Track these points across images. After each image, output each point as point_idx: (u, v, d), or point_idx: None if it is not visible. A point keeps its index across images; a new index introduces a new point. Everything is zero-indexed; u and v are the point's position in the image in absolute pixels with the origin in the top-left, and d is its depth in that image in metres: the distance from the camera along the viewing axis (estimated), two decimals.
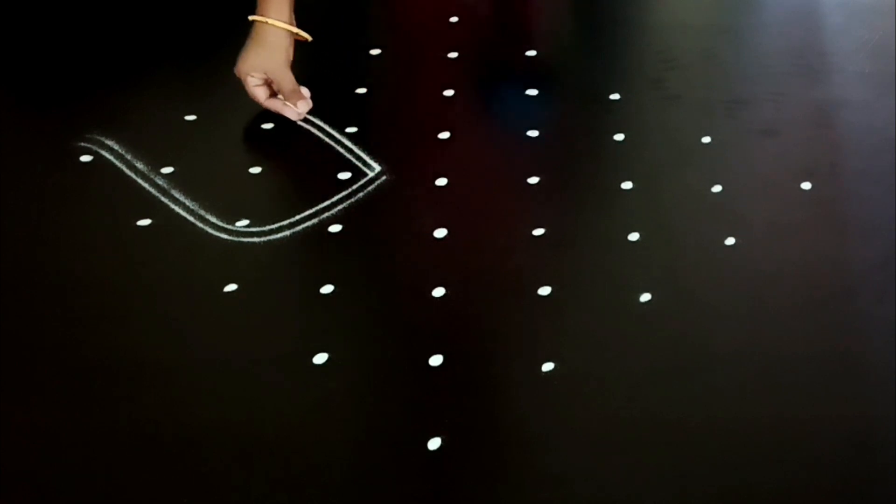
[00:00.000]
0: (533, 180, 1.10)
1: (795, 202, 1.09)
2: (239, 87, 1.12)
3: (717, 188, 1.10)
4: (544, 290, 0.97)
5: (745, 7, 1.44)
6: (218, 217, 1.02)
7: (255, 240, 1.01)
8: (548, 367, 0.91)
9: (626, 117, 1.20)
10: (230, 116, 1.14)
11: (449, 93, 1.21)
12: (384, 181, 1.08)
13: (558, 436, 0.86)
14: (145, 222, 1.02)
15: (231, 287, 0.96)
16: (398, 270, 1.00)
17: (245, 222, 1.02)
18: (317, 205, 1.05)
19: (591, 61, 1.28)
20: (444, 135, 1.15)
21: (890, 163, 1.14)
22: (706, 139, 1.16)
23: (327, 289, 0.96)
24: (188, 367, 0.89)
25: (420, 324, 0.95)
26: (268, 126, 1.14)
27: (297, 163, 1.11)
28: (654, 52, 1.31)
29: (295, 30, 1.11)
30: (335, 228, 1.03)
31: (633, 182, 1.10)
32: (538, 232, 1.04)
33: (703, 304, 0.98)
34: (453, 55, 1.27)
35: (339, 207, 1.05)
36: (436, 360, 0.90)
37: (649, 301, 0.97)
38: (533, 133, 1.16)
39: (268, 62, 1.11)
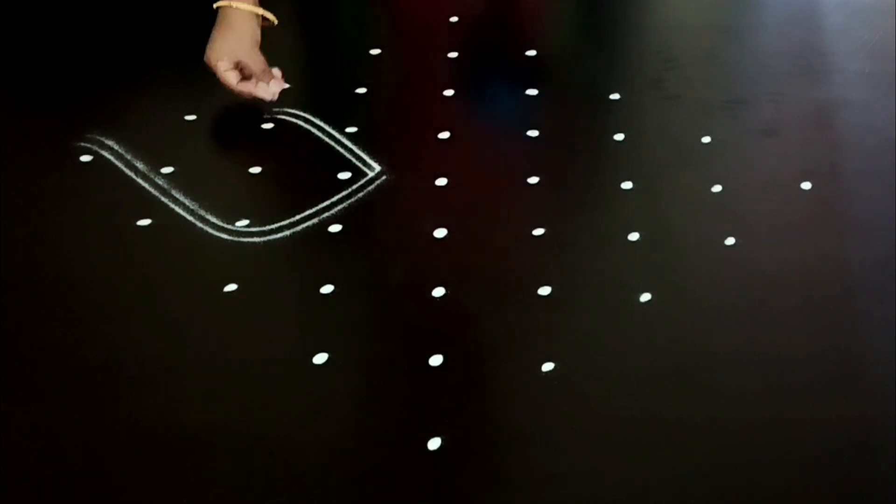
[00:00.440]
0: (533, 180, 1.10)
1: (795, 202, 1.09)
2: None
3: (717, 188, 1.10)
4: (544, 290, 0.97)
5: (745, 7, 1.44)
6: (218, 217, 1.02)
7: (255, 240, 1.01)
8: (548, 367, 0.91)
9: (626, 117, 1.20)
10: (230, 116, 1.14)
11: (449, 93, 1.21)
12: (384, 181, 1.08)
13: (558, 436, 0.86)
14: (145, 222, 1.02)
15: (231, 287, 0.96)
16: (398, 270, 1.00)
17: (245, 222, 1.02)
18: (317, 205, 1.05)
19: (591, 61, 1.28)
20: (444, 135, 1.15)
21: (890, 163, 1.14)
22: (706, 139, 1.16)
23: (327, 289, 0.96)
24: (188, 367, 0.89)
25: (420, 324, 0.95)
26: (268, 126, 1.14)
27: (297, 163, 1.11)
28: (654, 52, 1.31)
29: (260, 11, 1.13)
30: (335, 228, 1.03)
31: (633, 182, 1.10)
32: (538, 232, 1.04)
33: (703, 304, 0.98)
34: (453, 55, 1.27)
35: (339, 207, 1.05)
36: (436, 360, 0.90)
37: (649, 301, 0.97)
38: (533, 133, 1.16)
39: (235, 46, 1.11)
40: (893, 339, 0.95)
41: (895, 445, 0.86)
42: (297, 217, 1.03)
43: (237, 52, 1.11)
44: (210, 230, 1.01)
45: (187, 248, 1.00)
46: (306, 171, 1.10)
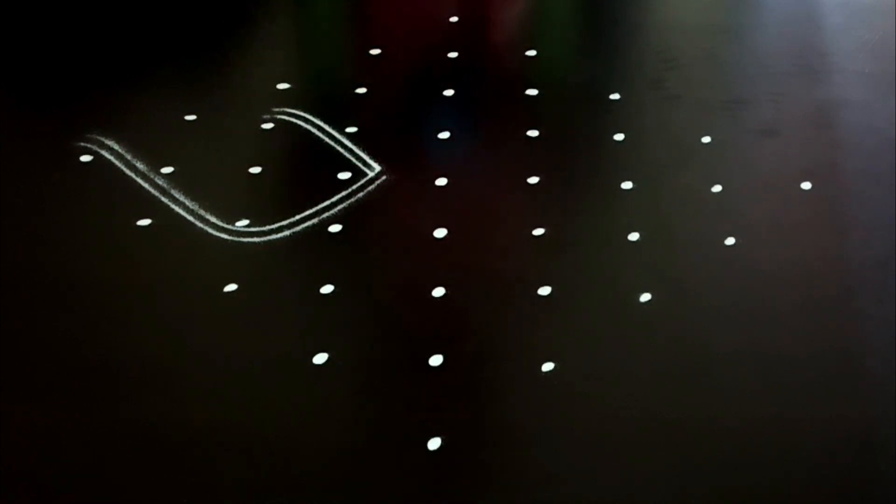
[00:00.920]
0: (533, 180, 1.09)
1: (795, 202, 1.09)
2: (239, 84, 1.12)
3: (717, 188, 1.10)
4: (544, 290, 0.97)
5: (745, 7, 1.44)
6: (218, 217, 1.02)
7: (255, 240, 1.01)
8: (548, 367, 0.91)
9: (626, 117, 1.20)
10: (230, 116, 1.14)
11: (449, 93, 1.21)
12: (384, 181, 1.08)
13: (558, 436, 0.86)
14: (145, 222, 1.02)
15: (231, 287, 0.96)
16: (398, 270, 1.00)
17: (245, 222, 1.02)
18: (317, 205, 1.05)
19: (591, 61, 1.28)
20: (445, 135, 1.15)
21: (890, 163, 1.14)
22: (706, 139, 1.16)
23: (327, 289, 0.96)
24: (188, 367, 0.89)
25: (420, 324, 0.95)
26: (268, 126, 1.14)
27: (297, 163, 1.11)
28: (654, 52, 1.31)
29: None
30: (335, 228, 1.03)
31: (633, 182, 1.10)
32: (538, 232, 1.04)
33: (703, 303, 0.98)
34: (453, 55, 1.27)
35: (339, 207, 1.05)
36: (436, 360, 0.90)
37: (649, 301, 0.97)
38: (533, 133, 1.16)
39: None
40: (893, 339, 0.95)
41: (895, 445, 0.86)
42: (297, 217, 1.03)
43: None
44: (210, 230, 1.01)
45: (187, 248, 1.00)
46: (306, 171, 1.10)
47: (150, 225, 1.01)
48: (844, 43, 1.33)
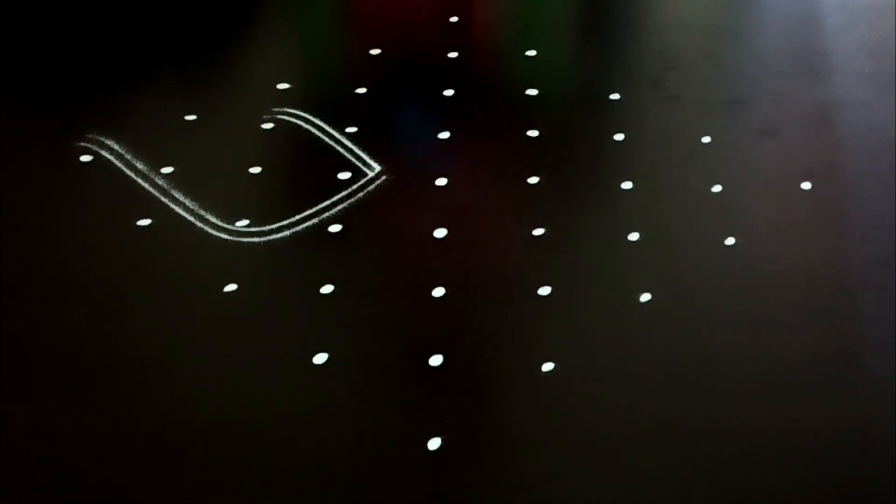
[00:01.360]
0: (533, 180, 1.09)
1: (795, 202, 1.09)
2: (239, 84, 1.12)
3: (717, 188, 1.10)
4: (544, 290, 0.97)
5: (745, 7, 1.44)
6: (218, 217, 1.02)
7: (255, 240, 1.01)
8: (548, 367, 0.91)
9: (626, 117, 1.20)
10: (230, 116, 1.14)
11: (449, 93, 1.21)
12: (384, 181, 1.08)
13: (558, 436, 0.86)
14: (145, 222, 1.02)
15: (231, 287, 0.96)
16: (398, 270, 1.00)
17: (245, 222, 1.02)
18: (317, 205, 1.05)
19: (591, 61, 1.28)
20: (445, 135, 1.15)
21: (890, 163, 1.14)
22: (706, 139, 1.16)
23: (327, 289, 0.96)
24: (188, 367, 0.89)
25: (420, 324, 0.95)
26: (268, 126, 1.14)
27: (297, 163, 1.11)
28: (654, 52, 1.31)
29: None
30: (335, 228, 1.03)
31: (633, 182, 1.10)
32: (538, 232, 1.04)
33: (703, 303, 0.98)
34: (453, 55, 1.27)
35: (339, 207, 1.05)
36: (436, 360, 0.90)
37: (649, 301, 0.97)
38: (533, 133, 1.16)
39: None
40: (893, 339, 0.95)
41: (895, 445, 0.86)
42: (297, 217, 1.03)
43: None
44: (210, 230, 1.01)
45: (187, 248, 1.00)
46: (306, 171, 1.10)
47: (150, 225, 1.01)
48: (844, 43, 1.33)
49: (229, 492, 0.81)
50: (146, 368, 0.88)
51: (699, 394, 0.90)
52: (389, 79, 1.22)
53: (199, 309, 0.95)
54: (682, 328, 0.95)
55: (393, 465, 0.83)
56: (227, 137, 1.12)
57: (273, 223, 1.02)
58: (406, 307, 0.96)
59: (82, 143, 1.09)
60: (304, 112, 1.15)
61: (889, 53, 1.31)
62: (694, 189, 1.10)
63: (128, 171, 1.07)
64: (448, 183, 1.08)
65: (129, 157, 1.08)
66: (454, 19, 1.33)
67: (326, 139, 1.13)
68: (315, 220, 1.03)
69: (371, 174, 1.09)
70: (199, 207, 1.03)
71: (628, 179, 1.10)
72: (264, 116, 1.15)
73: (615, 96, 1.22)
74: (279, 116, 1.15)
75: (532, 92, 1.22)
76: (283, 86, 1.17)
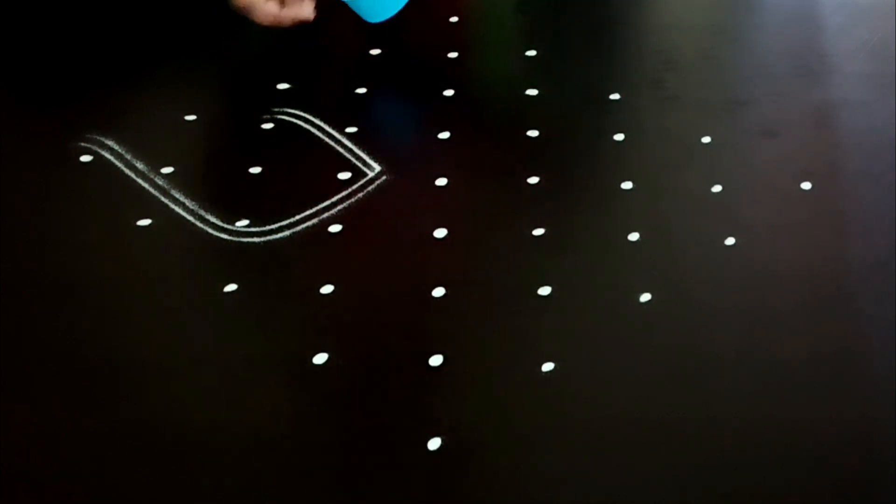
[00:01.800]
0: (533, 180, 1.10)
1: (795, 202, 1.09)
2: (239, 84, 1.12)
3: (717, 188, 1.10)
4: (544, 290, 0.97)
5: (745, 7, 1.44)
6: (218, 217, 1.02)
7: (255, 240, 1.01)
8: (548, 367, 0.91)
9: (626, 117, 1.20)
10: (230, 116, 1.14)
11: (449, 93, 1.21)
12: (384, 181, 1.08)
13: (558, 436, 0.86)
14: (145, 222, 1.02)
15: (231, 287, 0.96)
16: (398, 270, 1.00)
17: (245, 222, 1.02)
18: (317, 205, 1.05)
19: (591, 61, 1.28)
20: (444, 135, 1.15)
21: (890, 163, 1.14)
22: (706, 139, 1.16)
23: (327, 289, 0.96)
24: (188, 367, 0.89)
25: (420, 324, 0.95)
26: (268, 126, 1.14)
27: (297, 163, 1.11)
28: (653, 52, 1.31)
29: None
30: (335, 228, 1.03)
31: (633, 182, 1.10)
32: (538, 232, 1.04)
33: (703, 304, 0.98)
34: (453, 55, 1.27)
35: (339, 207, 1.05)
36: (436, 360, 0.90)
37: (649, 301, 0.97)
38: (533, 133, 1.16)
39: None
40: (893, 339, 0.95)
41: (895, 445, 0.86)
42: (297, 217, 1.03)
43: None
44: (210, 230, 1.01)
45: (187, 248, 1.00)
46: (306, 171, 1.10)
47: (150, 225, 1.01)
48: (844, 43, 1.33)
49: (229, 492, 0.81)
50: (146, 368, 0.88)
51: (699, 394, 0.90)
52: (389, 79, 1.22)
53: (199, 309, 0.95)
54: (682, 328, 0.95)
55: (393, 465, 0.83)
56: (227, 137, 1.12)
57: (273, 223, 1.02)
58: (406, 307, 0.96)
59: (82, 143, 1.09)
60: (304, 112, 1.15)
61: (889, 54, 1.31)
62: (694, 189, 1.10)
63: (128, 171, 1.07)
64: (448, 183, 1.08)
65: (129, 157, 1.08)
66: (454, 19, 1.33)
67: (326, 139, 1.13)
68: (315, 220, 1.03)
69: (371, 174, 1.09)
70: (199, 207, 1.03)
71: (628, 179, 1.10)
72: (264, 116, 1.15)
73: (615, 96, 1.22)
74: (279, 116, 1.15)
75: (532, 92, 1.22)
76: (283, 86, 1.17)
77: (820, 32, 1.37)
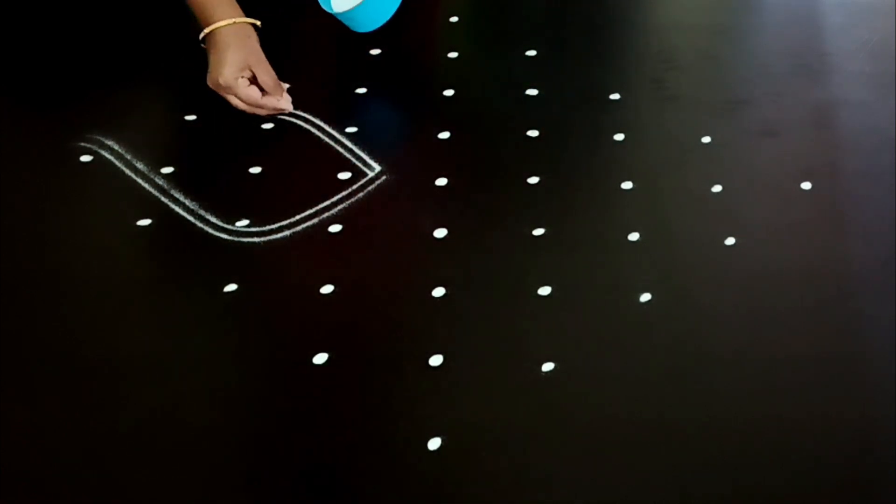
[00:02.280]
0: (533, 180, 1.10)
1: (795, 202, 1.09)
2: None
3: (717, 188, 1.10)
4: (544, 290, 0.97)
5: (744, 7, 1.44)
6: (218, 217, 1.02)
7: (255, 240, 1.01)
8: (548, 367, 0.91)
9: (626, 117, 1.20)
10: (230, 116, 1.14)
11: (449, 93, 1.21)
12: (384, 181, 1.08)
13: (558, 436, 0.86)
14: (145, 222, 1.02)
15: (231, 287, 0.96)
16: (398, 270, 1.00)
17: (245, 222, 1.02)
18: (317, 205, 1.05)
19: (591, 61, 1.28)
20: (444, 135, 1.15)
21: (890, 163, 1.14)
22: (706, 139, 1.16)
23: (327, 289, 0.96)
24: (188, 367, 0.89)
25: (419, 324, 0.95)
26: (268, 126, 1.14)
27: (297, 163, 1.11)
28: (653, 52, 1.31)
29: (253, 21, 1.12)
30: (335, 228, 1.03)
31: (633, 182, 1.10)
32: (538, 232, 1.04)
33: (703, 304, 0.98)
34: (453, 55, 1.27)
35: (339, 207, 1.05)
36: (436, 360, 0.90)
37: (649, 301, 0.97)
38: (533, 133, 1.16)
39: (251, 56, 1.11)
40: (893, 339, 0.95)
41: (895, 445, 0.86)
42: (297, 217, 1.03)
43: (252, 61, 1.11)
44: (210, 230, 1.01)
45: (187, 248, 1.00)
46: (306, 171, 1.10)
47: (150, 225, 1.01)
48: (844, 43, 1.33)
49: (229, 492, 0.81)
50: (146, 368, 0.88)
51: (699, 394, 0.90)
52: (390, 79, 1.22)
53: (199, 309, 0.95)
54: (682, 328, 0.95)
55: (393, 465, 0.83)
56: (227, 137, 1.12)
57: (273, 223, 1.02)
58: (406, 307, 0.96)
59: (82, 143, 1.09)
60: (304, 112, 1.15)
61: (889, 53, 1.31)
62: (694, 189, 1.10)
63: (128, 171, 1.07)
64: (448, 183, 1.08)
65: (129, 157, 1.08)
66: (454, 19, 1.33)
67: (326, 139, 1.13)
68: (315, 220, 1.03)
69: (371, 174, 1.09)
70: (199, 207, 1.03)
71: (628, 179, 1.10)
72: (264, 116, 1.15)
73: (615, 96, 1.22)
74: (279, 116, 1.15)
75: (532, 92, 1.22)
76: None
77: (820, 32, 1.37)
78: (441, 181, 1.09)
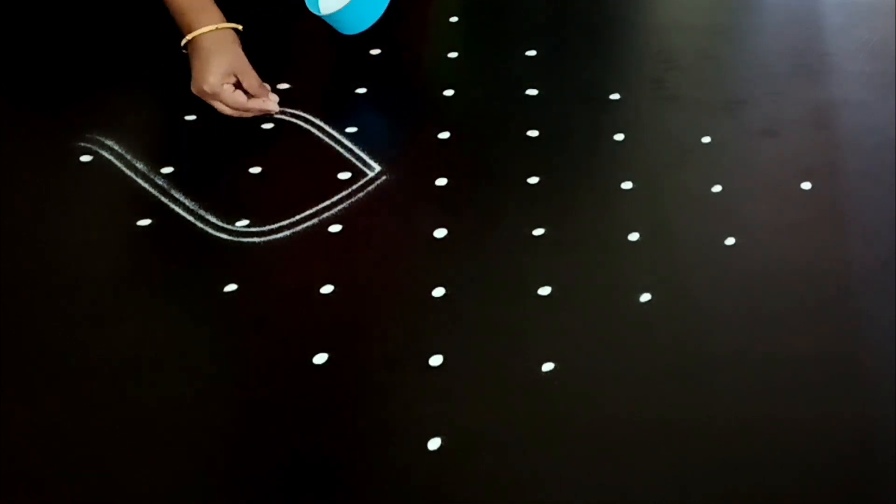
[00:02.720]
0: (533, 180, 1.10)
1: (795, 202, 1.09)
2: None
3: (717, 188, 1.10)
4: (544, 290, 0.97)
5: (744, 7, 1.44)
6: (218, 217, 1.02)
7: (255, 240, 1.01)
8: (548, 367, 0.91)
9: (626, 117, 1.20)
10: (230, 117, 1.14)
11: (449, 93, 1.21)
12: (384, 181, 1.08)
13: (558, 436, 0.86)
14: (145, 222, 1.02)
15: (231, 287, 0.96)
16: (398, 270, 1.00)
17: (245, 222, 1.02)
18: (317, 205, 1.05)
19: (591, 61, 1.28)
20: (444, 135, 1.15)
21: (890, 163, 1.14)
22: (706, 139, 1.16)
23: (327, 289, 0.96)
24: (188, 367, 0.89)
25: (419, 324, 0.95)
26: (268, 126, 1.14)
27: (297, 163, 1.11)
28: (653, 52, 1.31)
29: (235, 25, 1.12)
30: (335, 228, 1.03)
31: (633, 182, 1.10)
32: (538, 232, 1.04)
33: (703, 304, 0.98)
34: (453, 55, 1.27)
35: (339, 207, 1.05)
36: (436, 360, 0.90)
37: (649, 301, 0.97)
38: (533, 133, 1.16)
39: (235, 62, 1.10)
40: (893, 339, 0.95)
41: (895, 445, 0.86)
42: (297, 217, 1.03)
43: (237, 67, 1.11)
44: (210, 230, 1.01)
45: (187, 248, 1.00)
46: (306, 171, 1.10)
47: (150, 225, 1.01)
48: (844, 43, 1.33)
49: (229, 490, 0.81)
50: (146, 368, 0.89)
51: (699, 394, 0.90)
52: (389, 79, 1.22)
53: (199, 309, 0.95)
54: (682, 328, 0.95)
55: (392, 465, 0.83)
56: (227, 137, 1.12)
57: (273, 223, 1.02)
58: (406, 307, 0.96)
59: (82, 143, 1.09)
60: (304, 112, 1.15)
61: (889, 53, 1.31)
62: (694, 189, 1.10)
63: (128, 171, 1.07)
64: (448, 183, 1.08)
65: (129, 157, 1.08)
66: (454, 19, 1.33)
67: (326, 139, 1.13)
68: (315, 220, 1.03)
69: (371, 174, 1.09)
70: (199, 207, 1.03)
71: (628, 179, 1.10)
72: (264, 116, 1.15)
73: (615, 96, 1.22)
74: (279, 116, 1.15)
75: (532, 92, 1.22)
76: (283, 86, 1.17)
77: (820, 32, 1.36)
78: (441, 181, 1.09)
